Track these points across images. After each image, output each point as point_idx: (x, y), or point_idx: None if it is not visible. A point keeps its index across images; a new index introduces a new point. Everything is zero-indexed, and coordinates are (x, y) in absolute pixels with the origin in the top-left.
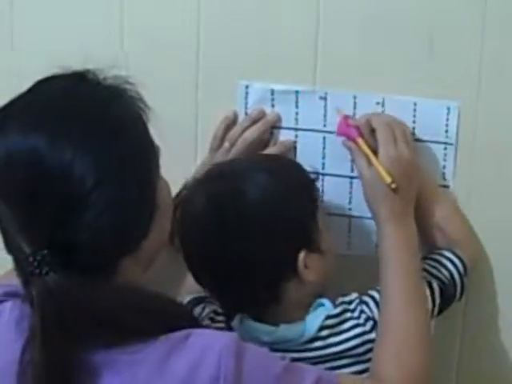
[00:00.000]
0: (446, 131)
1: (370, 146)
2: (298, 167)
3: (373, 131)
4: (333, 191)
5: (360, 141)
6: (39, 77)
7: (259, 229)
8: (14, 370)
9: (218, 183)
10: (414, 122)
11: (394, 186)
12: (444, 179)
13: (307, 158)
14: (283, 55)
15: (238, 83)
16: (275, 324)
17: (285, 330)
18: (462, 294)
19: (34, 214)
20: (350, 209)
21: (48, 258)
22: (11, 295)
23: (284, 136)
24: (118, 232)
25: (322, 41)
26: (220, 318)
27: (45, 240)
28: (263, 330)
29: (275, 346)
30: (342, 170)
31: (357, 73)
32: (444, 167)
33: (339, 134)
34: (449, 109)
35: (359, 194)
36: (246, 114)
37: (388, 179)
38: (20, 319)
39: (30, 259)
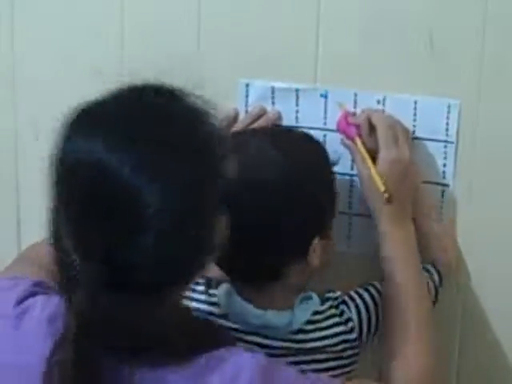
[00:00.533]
0: (447, 129)
1: (367, 149)
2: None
3: (373, 129)
4: None
5: (358, 141)
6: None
7: (293, 204)
8: (40, 368)
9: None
10: (414, 120)
11: (386, 195)
12: (444, 178)
13: None
14: (284, 53)
15: (238, 81)
16: (262, 308)
17: (273, 316)
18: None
19: (94, 229)
20: (350, 207)
21: (99, 274)
22: (41, 287)
23: None
24: (175, 262)
25: (323, 39)
26: (199, 288)
27: (100, 256)
28: (252, 311)
29: (261, 331)
30: (342, 168)
31: (357, 71)
32: (444, 165)
33: (338, 130)
34: (449, 107)
35: (360, 192)
36: (247, 112)
37: (382, 188)
38: (53, 318)
39: (81, 270)
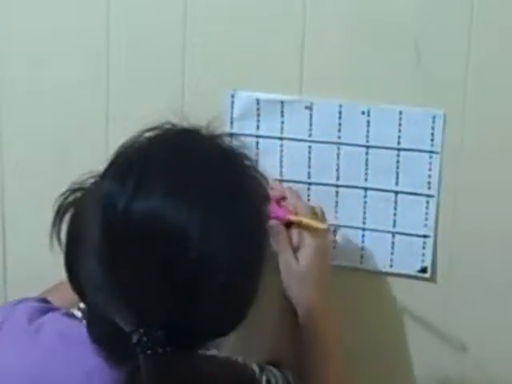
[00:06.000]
0: (432, 140)
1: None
2: None
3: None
4: (319, 201)
5: (292, 216)
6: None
7: None
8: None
9: None
10: (399, 130)
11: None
12: (429, 188)
13: (293, 168)
14: (269, 65)
15: (223, 92)
16: None
17: None
18: None
19: (157, 292)
20: (336, 217)
21: (162, 338)
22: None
23: (269, 145)
24: (229, 319)
25: (308, 50)
26: None
27: (161, 320)
28: None
29: None
30: (327, 179)
31: (343, 82)
32: (429, 176)
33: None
34: (434, 117)
35: (346, 203)
36: (232, 122)
37: (322, 226)
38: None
39: (141, 338)
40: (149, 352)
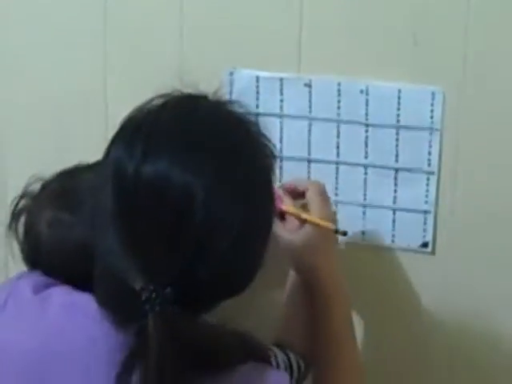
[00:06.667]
0: (431, 117)
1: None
2: None
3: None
4: (319, 177)
5: (285, 207)
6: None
7: None
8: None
9: None
10: (398, 108)
11: (342, 230)
12: (429, 165)
13: (293, 145)
14: (268, 42)
15: (222, 70)
16: None
17: None
18: None
19: (167, 251)
20: (336, 194)
21: (171, 295)
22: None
23: (269, 123)
24: (238, 276)
25: (307, 28)
26: None
27: (170, 277)
28: None
29: None
30: (328, 156)
31: (341, 60)
32: (429, 153)
33: None
34: (433, 94)
35: (346, 180)
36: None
37: (333, 226)
38: (114, 351)
39: (150, 294)
40: (158, 309)
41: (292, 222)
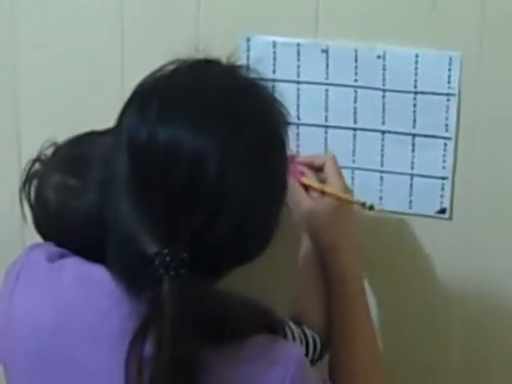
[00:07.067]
0: (449, 82)
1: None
2: None
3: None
4: (336, 144)
5: (305, 179)
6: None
7: None
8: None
9: None
10: (415, 74)
11: (368, 203)
12: (446, 131)
13: (310, 111)
14: (284, 8)
15: (239, 36)
16: None
17: None
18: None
19: (181, 215)
20: (353, 161)
21: (185, 259)
22: None
23: (286, 89)
24: (252, 241)
25: None
26: None
27: (185, 242)
28: None
29: None
30: (345, 123)
31: (358, 24)
32: (447, 118)
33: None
34: (451, 59)
35: (363, 146)
36: (248, 67)
37: (357, 199)
38: (127, 321)
39: (164, 259)
40: (172, 273)
41: (314, 195)
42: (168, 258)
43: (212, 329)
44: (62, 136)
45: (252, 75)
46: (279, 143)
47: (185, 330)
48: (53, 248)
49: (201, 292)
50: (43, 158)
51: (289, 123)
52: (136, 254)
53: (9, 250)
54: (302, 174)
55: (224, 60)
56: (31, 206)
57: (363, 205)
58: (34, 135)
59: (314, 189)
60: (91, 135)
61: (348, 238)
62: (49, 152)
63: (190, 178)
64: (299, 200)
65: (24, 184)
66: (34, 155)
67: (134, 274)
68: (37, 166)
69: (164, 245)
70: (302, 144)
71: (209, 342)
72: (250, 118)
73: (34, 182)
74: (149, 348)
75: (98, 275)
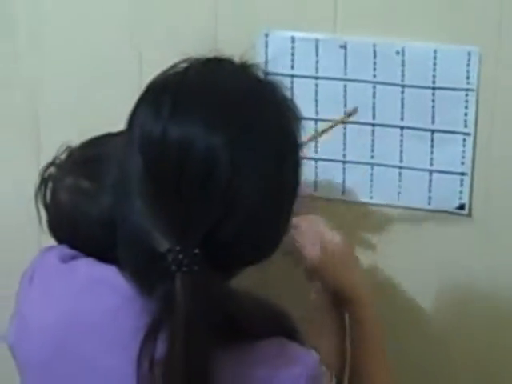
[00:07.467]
0: (467, 77)
1: None
2: None
3: None
4: (355, 139)
5: None
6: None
7: None
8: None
9: None
10: (434, 69)
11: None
12: (465, 126)
13: (328, 107)
14: (303, 3)
15: (257, 32)
16: None
17: None
18: None
19: (193, 212)
20: (372, 157)
21: (198, 256)
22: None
23: (304, 84)
24: (264, 239)
25: None
26: None
27: (197, 238)
28: None
29: None
30: (363, 118)
31: (377, 20)
32: (465, 114)
33: None
34: (469, 54)
35: (382, 141)
36: (267, 62)
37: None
38: (138, 320)
39: (177, 255)
40: (185, 269)
41: None
42: (180, 255)
43: (225, 327)
44: (80, 138)
45: (264, 74)
46: (291, 141)
47: (198, 326)
48: (66, 250)
49: (213, 289)
50: (58, 161)
51: (300, 121)
52: (148, 251)
53: (26, 252)
54: None
55: (237, 58)
56: (46, 209)
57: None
58: (53, 137)
59: None
60: (104, 137)
61: (351, 273)
62: (63, 156)
63: (202, 175)
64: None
65: (39, 188)
66: (52, 157)
67: (146, 272)
68: (52, 169)
69: (176, 241)
70: (321, 139)
71: (222, 340)
72: (261, 116)
73: (49, 186)
74: (161, 346)
75: (110, 276)
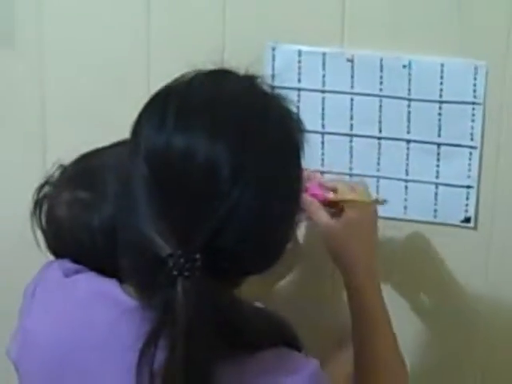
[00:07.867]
0: (474, 91)
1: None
2: None
3: None
4: (361, 153)
5: (331, 195)
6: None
7: None
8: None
9: None
10: (441, 83)
11: (381, 198)
12: (472, 140)
13: (335, 120)
14: (310, 17)
15: (264, 45)
16: None
17: None
18: None
19: (195, 219)
20: (378, 170)
21: (199, 262)
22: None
23: (311, 98)
24: (266, 248)
25: (350, 2)
26: None
27: (199, 244)
28: None
29: None
30: (370, 131)
31: (384, 34)
32: (472, 128)
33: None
34: (476, 68)
35: (388, 155)
36: (273, 75)
37: (369, 199)
38: (139, 330)
39: (178, 260)
40: (186, 273)
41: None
42: (182, 259)
43: (226, 335)
44: (86, 147)
45: (269, 86)
46: (293, 152)
47: (198, 334)
48: (68, 264)
49: (214, 295)
50: (52, 180)
51: (303, 134)
52: (150, 256)
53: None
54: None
55: (242, 71)
56: (43, 231)
57: (376, 201)
58: (60, 144)
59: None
60: (97, 151)
61: (368, 247)
62: (56, 174)
63: (205, 184)
64: (317, 218)
65: (34, 209)
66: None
67: (148, 278)
68: (46, 189)
69: (178, 246)
70: (327, 153)
71: (223, 348)
72: (264, 127)
73: (45, 206)
74: (161, 354)
75: (110, 289)
